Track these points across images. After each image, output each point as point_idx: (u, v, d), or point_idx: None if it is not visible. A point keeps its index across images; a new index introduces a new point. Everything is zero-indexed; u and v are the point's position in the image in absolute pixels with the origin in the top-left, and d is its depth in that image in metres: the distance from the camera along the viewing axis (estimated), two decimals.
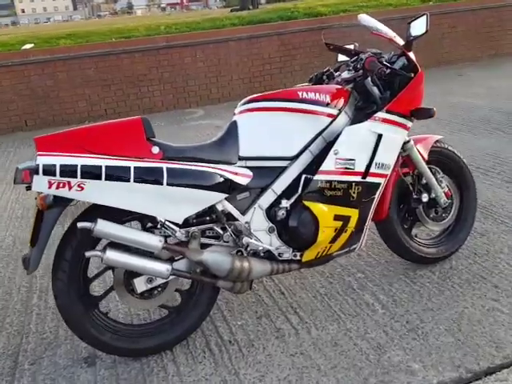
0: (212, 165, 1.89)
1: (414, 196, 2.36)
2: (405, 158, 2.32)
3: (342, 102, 2.09)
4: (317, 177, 2.00)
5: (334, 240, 2.09)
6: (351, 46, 2.45)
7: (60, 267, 1.84)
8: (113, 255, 1.78)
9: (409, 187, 2.35)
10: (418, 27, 2.14)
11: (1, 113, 6.42)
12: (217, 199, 1.88)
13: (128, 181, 1.73)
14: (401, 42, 2.19)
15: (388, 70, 2.12)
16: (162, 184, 1.76)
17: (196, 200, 1.84)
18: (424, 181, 2.37)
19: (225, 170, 1.90)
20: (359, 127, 2.06)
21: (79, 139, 1.77)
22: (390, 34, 2.18)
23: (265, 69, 7.43)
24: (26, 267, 1.80)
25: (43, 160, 1.67)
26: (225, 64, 7.21)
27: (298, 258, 2.08)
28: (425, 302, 2.21)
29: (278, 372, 1.87)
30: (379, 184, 2.14)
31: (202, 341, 2.09)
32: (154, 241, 1.82)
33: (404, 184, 2.35)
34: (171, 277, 1.89)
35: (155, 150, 1.82)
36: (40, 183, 1.66)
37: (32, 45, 7.24)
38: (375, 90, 2.13)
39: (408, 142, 2.28)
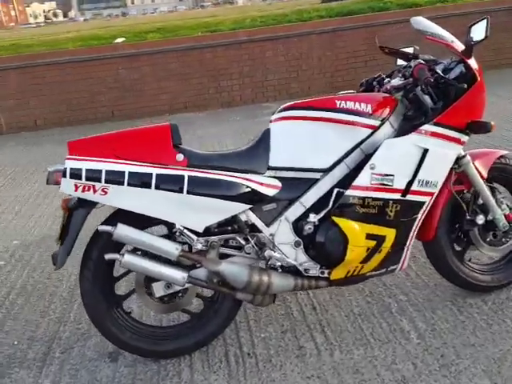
0: (238, 174, 1.86)
1: (468, 217, 2.14)
2: (459, 175, 2.11)
3: (386, 111, 1.95)
4: (349, 192, 1.89)
5: (366, 260, 1.97)
6: (410, 50, 2.26)
7: (86, 266, 1.92)
8: (130, 259, 1.82)
9: (462, 207, 2.14)
10: (479, 32, 1.94)
11: (90, 104, 6.88)
12: (239, 210, 1.85)
13: (149, 187, 1.76)
14: (460, 47, 1.99)
15: (438, 80, 1.94)
16: (182, 192, 1.77)
17: (217, 210, 1.82)
18: (481, 201, 2.14)
19: (251, 180, 1.86)
20: (401, 140, 1.91)
21: (108, 144, 1.83)
22: (448, 38, 1.98)
23: (349, 62, 7.20)
24: (54, 263, 1.90)
25: (71, 164, 1.75)
26: (306, 58, 7.10)
27: (326, 275, 1.99)
28: (467, 336, 2.01)
29: None
30: (423, 203, 1.97)
31: (221, 350, 2.08)
32: (170, 248, 1.83)
33: (457, 203, 2.14)
34: (187, 284, 1.90)
35: (180, 157, 1.82)
36: (67, 186, 1.75)
37: (123, 39, 7.67)
38: (427, 99, 1.96)
39: (464, 157, 2.07)
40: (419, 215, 1.99)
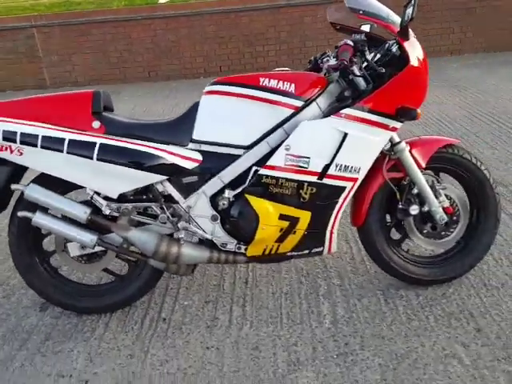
0: (156, 144, 1.89)
1: (400, 206, 2.05)
2: (397, 162, 2.02)
3: (313, 92, 1.88)
4: (262, 171, 1.87)
5: (281, 240, 1.95)
6: (366, 27, 2.13)
7: (12, 222, 2.03)
8: (40, 218, 1.93)
9: (396, 195, 2.05)
10: (410, 13, 1.81)
11: (128, 63, 7.09)
12: (153, 180, 1.89)
13: (62, 151, 1.84)
14: (397, 28, 1.86)
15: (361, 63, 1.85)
16: (92, 159, 1.84)
17: (129, 178, 1.87)
18: (416, 190, 2.04)
19: (169, 152, 1.89)
20: (319, 123, 1.85)
21: (31, 107, 1.91)
22: (384, 18, 1.86)
23: None
24: None
25: None
26: None
27: (243, 251, 2.00)
28: (381, 328, 1.96)
29: (183, 361, 1.87)
30: (343, 188, 1.91)
31: (141, 312, 2.17)
32: (78, 211, 1.92)
33: (394, 190, 2.06)
34: (98, 247, 1.99)
35: (96, 124, 1.88)
36: None
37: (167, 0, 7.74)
38: (360, 81, 1.87)
39: (398, 143, 1.98)
40: (340, 200, 1.93)
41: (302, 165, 1.86)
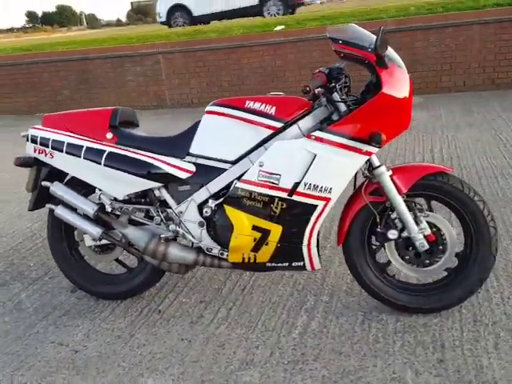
0: (157, 156, 2.26)
1: (378, 229, 2.13)
2: (377, 186, 2.12)
3: (293, 114, 2.08)
4: (238, 184, 2.12)
5: (256, 249, 2.16)
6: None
7: (49, 214, 2.54)
8: (61, 211, 2.40)
9: (376, 219, 2.14)
10: (374, 42, 1.91)
11: (236, 87, 7.71)
12: (149, 186, 2.25)
13: (79, 157, 2.30)
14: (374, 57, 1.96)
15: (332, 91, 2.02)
16: (100, 164, 2.27)
17: (130, 183, 2.26)
18: (394, 215, 2.10)
19: (166, 163, 2.23)
20: (290, 143, 2.05)
21: (65, 119, 2.42)
22: (363, 47, 1.96)
23: None
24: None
25: (31, 132, 2.40)
26: (463, 50, 6.66)
27: (225, 257, 2.25)
28: (344, 345, 2.05)
29: (156, 347, 2.17)
30: (314, 206, 2.06)
31: (144, 303, 2.52)
32: (88, 207, 2.36)
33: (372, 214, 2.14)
34: (103, 240, 2.40)
35: (109, 135, 2.31)
36: (29, 148, 2.40)
37: (282, 27, 8.26)
38: (341, 106, 2.03)
39: (378, 167, 2.08)
40: (312, 217, 2.08)
41: (273, 181, 2.07)
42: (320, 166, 2.01)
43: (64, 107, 7.88)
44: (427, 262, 2.13)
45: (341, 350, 2.03)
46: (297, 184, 2.04)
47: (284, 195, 2.07)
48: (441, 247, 2.11)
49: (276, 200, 2.08)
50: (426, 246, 2.08)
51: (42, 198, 2.50)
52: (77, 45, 10.23)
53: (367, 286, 2.20)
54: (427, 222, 2.10)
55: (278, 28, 8.26)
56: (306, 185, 2.04)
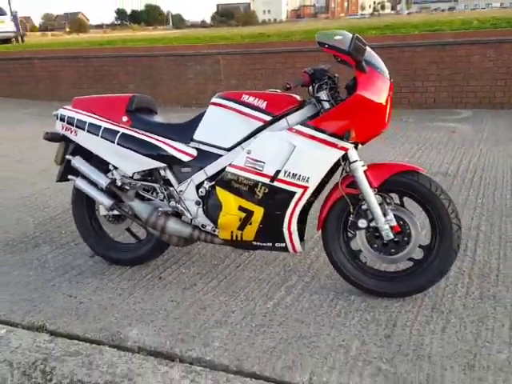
0: (163, 139, 2.66)
1: (351, 218, 2.41)
2: (353, 179, 2.39)
3: (283, 109, 2.40)
4: (228, 168, 2.48)
5: (241, 228, 2.50)
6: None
7: (74, 187, 3.02)
8: (80, 182, 2.86)
9: (349, 208, 2.42)
10: (347, 45, 2.18)
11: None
12: (155, 166, 2.66)
13: (98, 136, 2.75)
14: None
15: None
16: (114, 143, 2.70)
17: (138, 162, 2.68)
18: (365, 206, 2.38)
19: (170, 146, 2.63)
20: (273, 134, 2.38)
21: (90, 102, 2.88)
22: (346, 50, 2.19)
23: None
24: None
25: (61, 111, 2.88)
26: None
27: (217, 233, 2.62)
28: (308, 315, 2.35)
29: (149, 305, 2.56)
30: (293, 192, 2.37)
31: (149, 270, 2.93)
32: (101, 179, 2.80)
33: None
34: (114, 210, 2.84)
35: (125, 118, 2.74)
36: (58, 125, 2.89)
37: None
38: (325, 104, 2.34)
39: (354, 162, 2.35)
40: (291, 203, 2.39)
41: (258, 167, 2.41)
42: (299, 156, 2.33)
43: None
44: (393, 250, 2.39)
45: (304, 319, 2.33)
46: (278, 171, 2.37)
47: (267, 181, 2.40)
48: (406, 238, 2.36)
49: (259, 185, 2.41)
50: (391, 236, 2.34)
51: (68, 170, 2.97)
52: (145, 42, 11.03)
53: (340, 269, 2.49)
54: (395, 215, 2.36)
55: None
56: (286, 173, 2.36)
